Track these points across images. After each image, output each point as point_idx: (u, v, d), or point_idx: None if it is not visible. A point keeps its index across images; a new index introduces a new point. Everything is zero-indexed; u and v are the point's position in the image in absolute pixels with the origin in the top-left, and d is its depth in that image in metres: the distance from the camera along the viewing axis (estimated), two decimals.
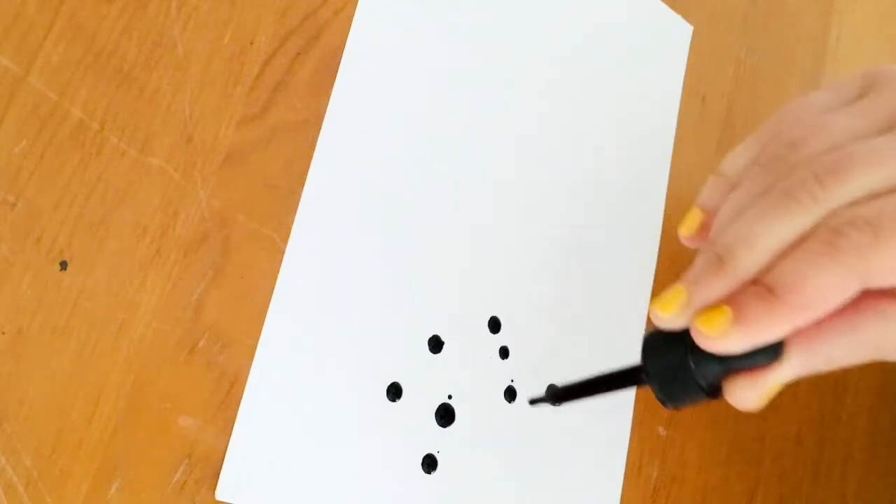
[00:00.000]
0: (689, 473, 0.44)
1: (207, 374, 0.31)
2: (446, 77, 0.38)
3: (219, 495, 0.30)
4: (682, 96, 0.47)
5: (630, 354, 0.42)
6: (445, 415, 0.36)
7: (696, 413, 0.44)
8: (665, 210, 0.45)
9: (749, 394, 0.25)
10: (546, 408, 0.29)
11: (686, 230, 0.29)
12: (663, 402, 0.27)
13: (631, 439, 0.41)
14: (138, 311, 0.30)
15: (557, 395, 0.29)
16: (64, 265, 0.29)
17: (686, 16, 0.48)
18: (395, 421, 0.35)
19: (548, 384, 0.29)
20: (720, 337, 0.24)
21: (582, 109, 0.43)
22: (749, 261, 0.24)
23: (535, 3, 0.42)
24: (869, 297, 0.25)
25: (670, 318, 0.25)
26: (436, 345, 0.36)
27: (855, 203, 0.24)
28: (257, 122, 0.33)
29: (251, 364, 0.32)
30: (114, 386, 0.29)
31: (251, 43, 0.34)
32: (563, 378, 0.40)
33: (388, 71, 0.36)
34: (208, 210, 0.32)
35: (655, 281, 0.44)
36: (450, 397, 0.36)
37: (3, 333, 0.28)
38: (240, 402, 0.31)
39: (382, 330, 0.35)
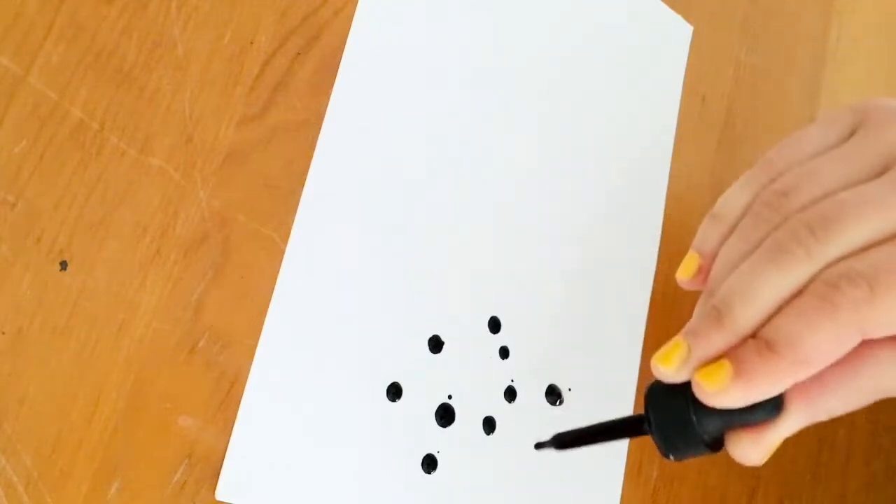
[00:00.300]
0: (689, 473, 0.44)
1: (207, 374, 0.31)
2: (446, 77, 0.38)
3: (219, 495, 0.30)
4: (682, 96, 0.47)
5: (630, 355, 0.42)
6: (445, 415, 0.36)
7: None
8: (665, 210, 0.45)
9: (752, 450, 0.26)
10: (547, 450, 0.30)
11: (683, 274, 0.29)
12: (665, 454, 0.27)
13: (631, 439, 0.41)
14: (138, 311, 0.30)
15: (563, 441, 0.30)
16: (64, 265, 0.29)
17: (686, 16, 0.48)
18: (395, 421, 0.35)
19: (554, 434, 0.30)
20: (721, 392, 0.24)
21: (582, 109, 0.43)
22: (747, 316, 0.25)
23: (535, 3, 0.42)
24: (866, 345, 0.25)
25: (671, 373, 0.26)
26: (436, 345, 0.36)
27: (850, 254, 0.25)
28: (257, 122, 0.33)
29: (251, 364, 0.32)
30: (114, 386, 0.29)
31: (251, 43, 0.34)
32: (563, 378, 0.40)
33: (388, 71, 0.36)
34: (208, 210, 0.32)
35: (655, 281, 0.44)
36: (450, 397, 0.36)
37: (3, 333, 0.28)
38: (240, 402, 0.31)
39: (382, 330, 0.35)
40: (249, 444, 0.31)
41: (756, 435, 0.26)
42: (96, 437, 0.29)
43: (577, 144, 0.42)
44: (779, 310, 0.25)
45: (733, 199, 0.29)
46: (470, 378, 0.37)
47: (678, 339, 0.26)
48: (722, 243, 0.28)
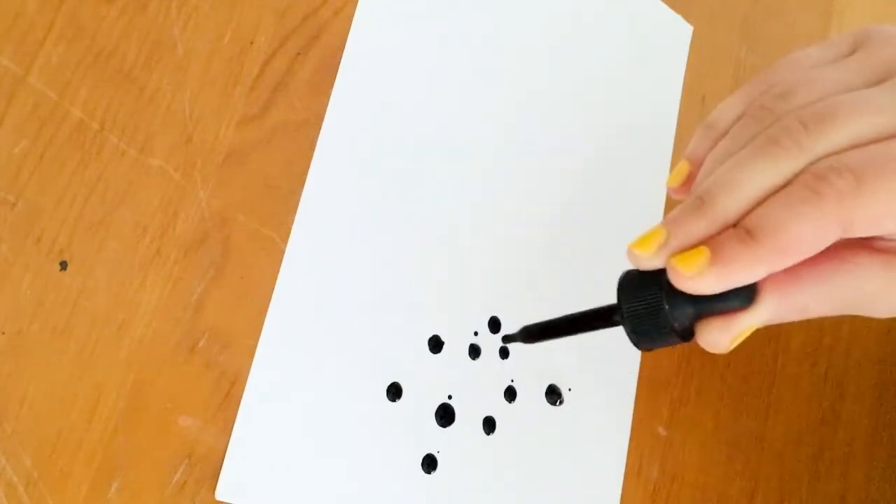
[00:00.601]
0: (689, 473, 0.44)
1: (207, 374, 0.31)
2: (446, 77, 0.38)
3: (219, 495, 0.30)
4: (682, 96, 0.47)
5: (630, 355, 0.42)
6: (445, 415, 0.36)
7: (696, 413, 0.44)
8: (665, 210, 0.45)
9: (720, 336, 0.25)
10: (516, 343, 0.29)
11: (673, 181, 0.29)
12: (636, 344, 0.27)
13: (631, 439, 0.41)
14: (138, 311, 0.30)
15: (531, 333, 0.29)
16: (64, 265, 0.29)
17: (686, 16, 0.48)
18: (395, 421, 0.35)
19: (522, 327, 0.29)
20: (696, 276, 0.24)
21: (582, 109, 0.43)
22: (730, 204, 0.24)
23: (535, 3, 0.42)
24: (845, 248, 0.26)
25: (647, 258, 0.25)
26: (436, 345, 0.36)
27: (840, 150, 0.24)
28: (257, 122, 0.33)
29: (251, 364, 0.32)
30: (114, 386, 0.29)
31: (251, 43, 0.34)
32: (563, 378, 0.40)
33: (388, 71, 0.36)
34: (208, 210, 0.32)
35: None
36: (450, 397, 0.36)
37: (3, 333, 0.28)
38: (240, 402, 0.31)
39: (382, 330, 0.35)
40: (249, 444, 0.31)
41: (726, 321, 0.25)
42: (96, 437, 0.29)
43: (576, 145, 0.42)
44: (762, 202, 0.24)
45: (728, 108, 0.29)
46: (470, 378, 0.37)
47: (657, 226, 0.25)
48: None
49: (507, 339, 0.30)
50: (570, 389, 0.40)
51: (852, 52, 0.28)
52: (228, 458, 0.31)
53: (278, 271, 0.33)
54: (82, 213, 0.29)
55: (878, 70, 0.27)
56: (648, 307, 0.26)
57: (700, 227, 0.25)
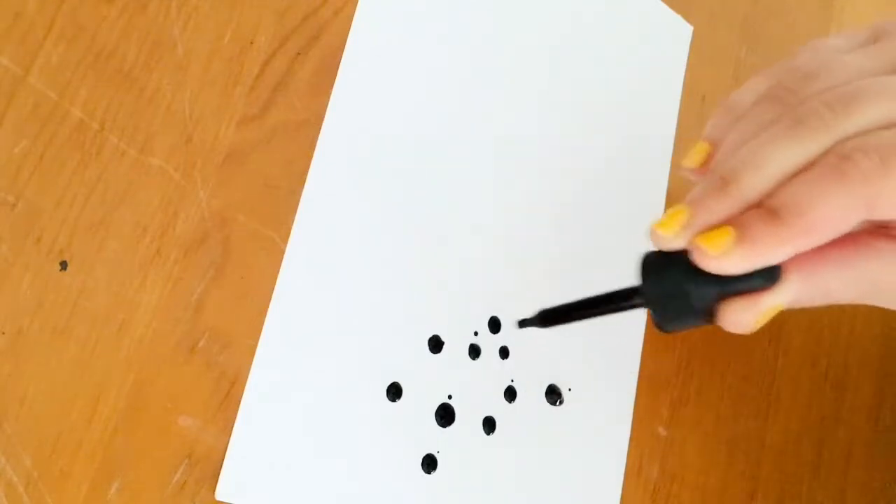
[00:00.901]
0: (689, 473, 0.44)
1: (207, 374, 0.31)
2: (446, 77, 0.38)
3: (219, 495, 0.30)
4: (682, 96, 0.47)
5: (630, 355, 0.42)
6: (445, 415, 0.36)
7: (696, 413, 0.44)
8: (665, 210, 0.45)
9: (744, 316, 0.25)
10: (530, 328, 0.28)
11: (690, 162, 0.28)
12: (659, 326, 0.26)
13: (631, 439, 0.41)
14: (138, 311, 0.30)
15: (547, 317, 0.28)
16: (64, 265, 0.29)
17: (686, 16, 0.48)
18: (394, 421, 0.35)
19: (539, 311, 0.28)
20: (722, 256, 0.24)
21: (582, 109, 0.43)
22: (754, 183, 0.24)
23: (535, 3, 0.42)
24: (868, 235, 0.25)
25: (670, 238, 0.25)
26: (436, 345, 0.36)
27: (866, 131, 0.24)
28: (257, 122, 0.33)
29: (251, 364, 0.32)
30: (114, 386, 0.29)
31: (251, 43, 0.34)
32: (563, 378, 0.40)
33: (388, 71, 0.36)
34: (208, 210, 0.32)
35: None
36: (450, 397, 0.36)
37: (3, 333, 0.28)
38: (240, 402, 0.31)
39: (382, 330, 0.35)
40: (249, 444, 0.31)
41: (750, 300, 0.25)
42: (96, 437, 0.29)
43: (577, 145, 0.42)
44: (787, 182, 0.24)
45: (749, 90, 0.28)
46: (470, 378, 0.37)
47: (680, 206, 0.25)
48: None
49: (523, 323, 0.29)
50: (570, 389, 0.40)
51: (872, 43, 0.28)
52: (228, 458, 0.31)
53: (278, 271, 0.33)
54: (82, 213, 0.29)
55: None
56: (672, 288, 0.25)
57: (724, 206, 0.24)
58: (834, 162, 0.24)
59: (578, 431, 0.40)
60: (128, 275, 0.30)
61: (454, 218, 0.38)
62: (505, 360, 0.38)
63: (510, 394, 0.38)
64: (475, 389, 0.37)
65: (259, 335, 0.32)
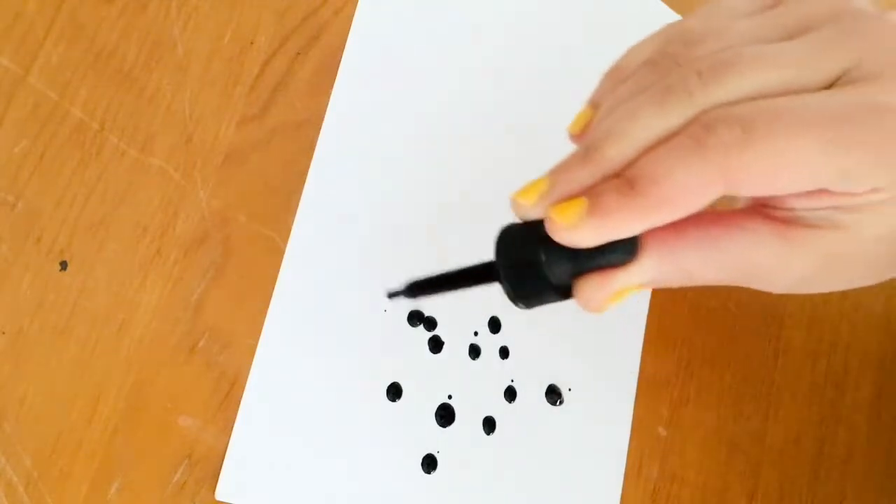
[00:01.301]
0: (689, 473, 0.44)
1: (207, 374, 0.31)
2: (446, 76, 0.38)
3: (219, 495, 0.30)
4: None
5: (630, 355, 0.42)
6: (445, 415, 0.36)
7: (696, 413, 0.44)
8: None
9: (596, 294, 0.24)
10: (399, 298, 0.28)
11: (574, 127, 0.27)
12: (513, 301, 0.25)
13: (631, 439, 0.41)
14: (138, 311, 0.30)
15: (414, 288, 0.28)
16: (64, 265, 0.29)
17: (686, 16, 0.48)
18: (394, 421, 0.35)
19: (411, 282, 0.28)
20: (572, 228, 0.22)
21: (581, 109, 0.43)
22: (614, 153, 0.23)
23: (535, 2, 0.42)
24: (741, 214, 0.24)
25: (528, 207, 0.24)
26: (436, 345, 0.36)
27: (734, 102, 0.23)
28: (257, 122, 0.33)
29: (251, 364, 0.32)
30: (114, 386, 0.29)
31: (251, 43, 0.34)
32: (563, 378, 0.40)
33: (388, 71, 0.36)
34: (208, 210, 0.32)
35: None
36: (450, 397, 0.36)
37: (3, 333, 0.28)
38: (240, 402, 0.31)
39: (382, 330, 0.35)
40: (249, 444, 0.31)
41: (603, 277, 0.24)
42: (96, 437, 0.29)
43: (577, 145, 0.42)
44: (647, 152, 0.23)
45: (637, 53, 0.27)
46: (470, 378, 0.37)
47: (542, 176, 0.24)
48: None
49: (391, 295, 0.28)
50: (570, 389, 0.40)
51: (770, 7, 0.26)
52: (228, 458, 0.31)
53: (278, 271, 0.33)
54: (82, 213, 0.29)
55: (793, 25, 0.25)
56: (525, 262, 0.24)
57: (582, 175, 0.23)
58: (695, 132, 0.22)
59: (578, 431, 0.40)
60: (128, 275, 0.30)
61: (454, 217, 0.38)
62: (505, 360, 0.38)
63: (510, 394, 0.38)
64: (475, 389, 0.37)
65: (259, 335, 0.32)
